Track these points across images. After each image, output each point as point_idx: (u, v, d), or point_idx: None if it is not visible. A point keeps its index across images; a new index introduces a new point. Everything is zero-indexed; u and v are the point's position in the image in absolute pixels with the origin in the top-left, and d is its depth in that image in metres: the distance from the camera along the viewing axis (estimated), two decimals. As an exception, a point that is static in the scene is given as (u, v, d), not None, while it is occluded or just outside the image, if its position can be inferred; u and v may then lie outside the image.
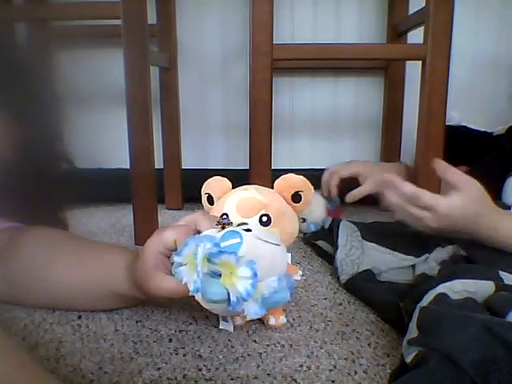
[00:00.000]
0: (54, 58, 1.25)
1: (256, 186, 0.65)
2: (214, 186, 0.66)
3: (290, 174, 0.63)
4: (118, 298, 0.64)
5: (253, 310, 0.50)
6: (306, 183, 0.63)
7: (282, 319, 0.63)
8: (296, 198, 0.62)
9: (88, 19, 1.16)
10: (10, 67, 0.67)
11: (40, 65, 0.80)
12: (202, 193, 0.66)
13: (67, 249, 0.67)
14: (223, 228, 0.53)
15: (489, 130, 1.19)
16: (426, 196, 0.70)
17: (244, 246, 0.49)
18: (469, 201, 0.70)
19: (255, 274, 0.48)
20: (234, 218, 0.60)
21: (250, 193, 0.62)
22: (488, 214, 0.70)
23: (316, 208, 0.96)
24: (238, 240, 0.50)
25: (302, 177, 0.63)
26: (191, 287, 0.48)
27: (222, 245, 0.49)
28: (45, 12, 1.03)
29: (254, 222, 0.60)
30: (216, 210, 0.63)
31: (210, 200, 0.65)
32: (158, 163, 1.12)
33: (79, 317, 0.66)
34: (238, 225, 0.60)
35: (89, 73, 1.30)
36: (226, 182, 0.65)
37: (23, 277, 0.65)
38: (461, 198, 0.70)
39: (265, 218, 0.60)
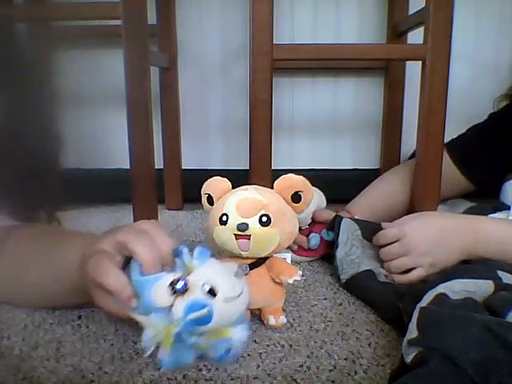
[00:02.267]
0: (54, 58, 1.25)
1: (256, 186, 0.65)
2: (214, 186, 0.66)
3: (289, 174, 0.63)
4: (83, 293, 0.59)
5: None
6: (306, 183, 0.63)
7: (282, 319, 0.63)
8: (296, 198, 0.62)
9: (88, 19, 1.16)
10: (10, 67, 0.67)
11: (40, 65, 0.80)
12: (202, 193, 0.66)
13: (39, 248, 0.65)
14: (177, 293, 0.45)
15: None
16: (388, 229, 0.73)
17: (214, 317, 0.45)
18: (428, 216, 0.72)
19: (229, 350, 0.47)
20: (234, 218, 0.60)
21: (250, 193, 0.62)
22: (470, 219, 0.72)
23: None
24: (205, 312, 0.44)
25: (301, 177, 0.63)
26: (161, 361, 0.45)
27: (190, 317, 0.44)
28: (45, 12, 1.03)
29: (253, 222, 0.60)
30: (216, 211, 0.63)
31: (210, 200, 0.65)
32: (158, 163, 1.12)
33: (79, 317, 0.66)
34: (238, 225, 0.60)
35: (89, 73, 1.30)
36: (225, 182, 0.65)
37: (8, 276, 0.65)
38: (418, 218, 0.72)
39: (264, 218, 0.60)
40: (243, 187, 0.64)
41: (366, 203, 0.98)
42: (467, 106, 1.28)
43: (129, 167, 0.95)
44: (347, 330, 0.63)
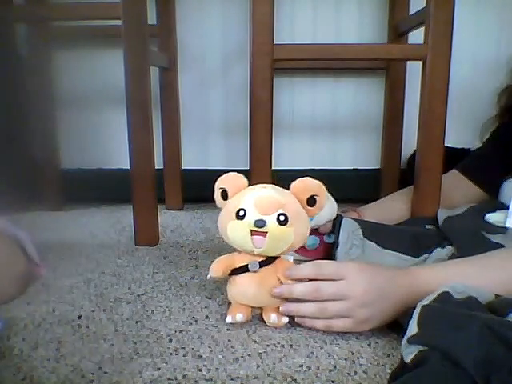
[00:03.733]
0: (54, 58, 1.25)
1: (273, 185, 0.65)
2: (230, 181, 0.65)
3: (307, 177, 0.63)
4: None
5: None
6: (322, 188, 0.63)
7: (284, 319, 0.63)
8: (311, 201, 0.62)
9: (88, 19, 1.16)
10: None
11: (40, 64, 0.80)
12: (216, 187, 0.66)
13: None
14: None
15: (466, 147, 1.17)
16: (325, 262, 0.62)
17: None
18: (366, 270, 0.60)
19: None
20: (252, 213, 0.60)
21: (269, 191, 0.62)
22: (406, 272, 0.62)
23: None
24: None
25: (318, 181, 0.63)
26: None
27: None
28: (45, 12, 1.03)
29: (271, 220, 0.60)
30: (232, 205, 0.63)
31: (224, 195, 0.65)
32: (158, 163, 1.12)
33: (79, 317, 0.66)
34: (256, 221, 0.59)
35: (89, 73, 1.30)
36: (242, 179, 0.65)
37: None
38: (356, 264, 0.62)
39: (282, 217, 0.60)
40: (261, 185, 0.64)
41: (379, 209, 0.96)
42: (467, 106, 1.28)
43: (129, 167, 0.95)
44: (347, 330, 0.63)
